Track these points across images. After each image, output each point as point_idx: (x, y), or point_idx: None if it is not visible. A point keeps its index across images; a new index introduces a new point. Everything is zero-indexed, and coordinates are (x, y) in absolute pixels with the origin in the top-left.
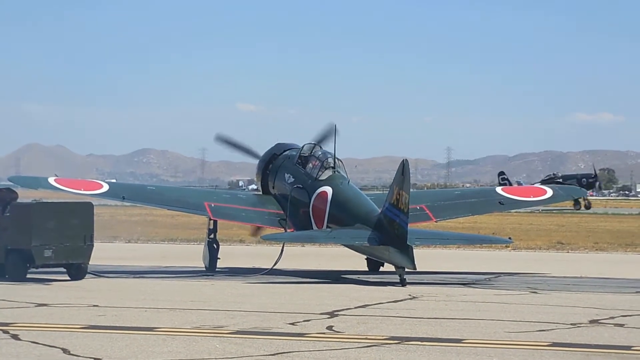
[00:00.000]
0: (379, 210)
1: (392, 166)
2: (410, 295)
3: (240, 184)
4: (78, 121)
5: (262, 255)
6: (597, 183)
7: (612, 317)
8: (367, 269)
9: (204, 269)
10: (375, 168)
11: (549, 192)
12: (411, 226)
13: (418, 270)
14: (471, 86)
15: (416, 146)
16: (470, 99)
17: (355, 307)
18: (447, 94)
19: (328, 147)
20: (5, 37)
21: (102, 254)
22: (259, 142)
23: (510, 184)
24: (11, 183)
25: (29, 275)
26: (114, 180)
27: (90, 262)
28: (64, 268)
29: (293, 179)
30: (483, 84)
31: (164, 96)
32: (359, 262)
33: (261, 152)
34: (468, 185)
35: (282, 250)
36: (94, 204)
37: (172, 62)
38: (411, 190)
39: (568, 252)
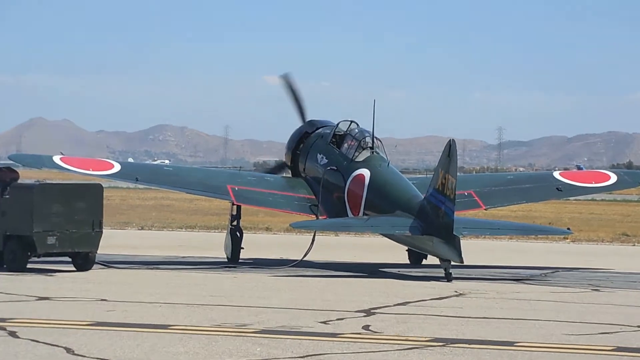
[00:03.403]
0: (422, 196)
1: (436, 147)
2: (456, 291)
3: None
4: (88, 94)
5: (290, 245)
6: None
7: None
8: (408, 261)
9: (226, 259)
10: (418, 149)
11: (614, 178)
12: (458, 214)
13: (465, 263)
14: (525, 59)
15: (464, 125)
16: (525, 73)
17: (395, 305)
18: (499, 67)
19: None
20: (11, 3)
21: (112, 241)
22: (288, 118)
23: None
24: (12, 162)
25: (29, 265)
26: (168, 162)
27: (98, 251)
28: (69, 257)
29: (326, 160)
30: (538, 57)
31: (183, 68)
32: (399, 253)
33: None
34: (522, 169)
35: (313, 240)
36: (103, 185)
37: (193, 31)
38: (458, 174)
39: (634, 245)
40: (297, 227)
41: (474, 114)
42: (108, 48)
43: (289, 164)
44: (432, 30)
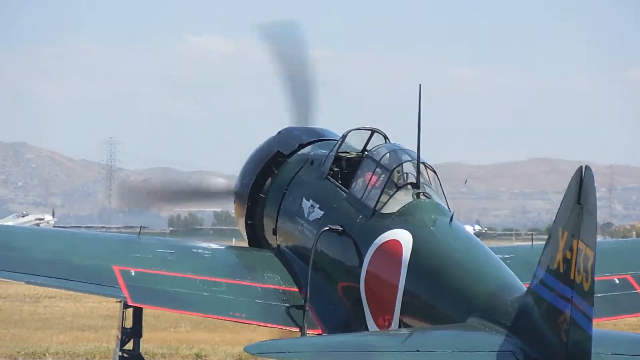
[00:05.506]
0: (524, 286)
1: (550, 183)
2: None
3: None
4: None
5: None
6: None
7: None
8: None
9: None
10: (514, 186)
11: None
12: (599, 323)
13: None
14: None
15: (606, 139)
16: None
17: None
18: None
19: (406, 141)
20: None
21: None
22: (245, 117)
23: None
24: None
25: None
26: (54, 220)
27: None
28: None
29: (321, 212)
30: None
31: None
32: None
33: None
34: None
35: None
36: None
37: None
38: (600, 238)
39: None
40: (258, 353)
41: (627, 116)
42: None
43: (245, 218)
44: None
